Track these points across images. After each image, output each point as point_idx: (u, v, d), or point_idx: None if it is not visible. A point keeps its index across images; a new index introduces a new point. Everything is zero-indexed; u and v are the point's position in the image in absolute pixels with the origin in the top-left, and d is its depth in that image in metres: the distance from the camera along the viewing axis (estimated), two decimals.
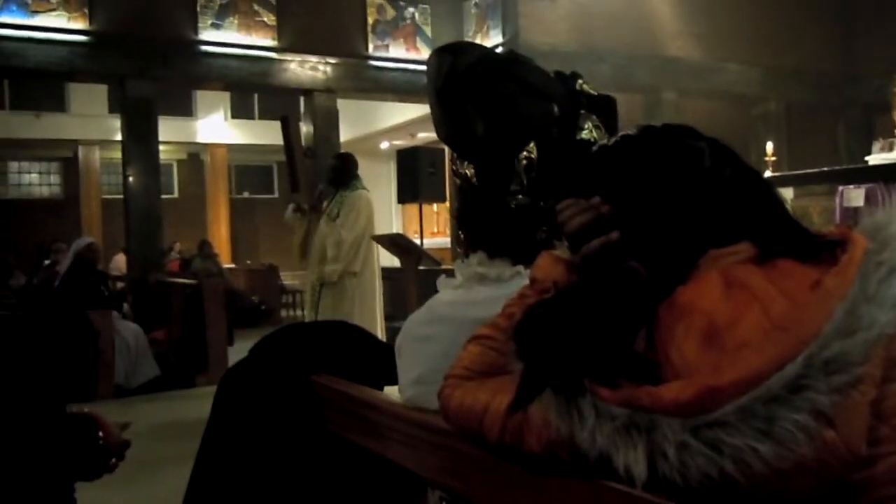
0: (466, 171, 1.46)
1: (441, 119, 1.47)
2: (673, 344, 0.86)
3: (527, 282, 1.13)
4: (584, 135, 1.37)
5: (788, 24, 10.80)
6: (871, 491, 0.77)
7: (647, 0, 10.01)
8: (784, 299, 0.84)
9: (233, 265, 14.58)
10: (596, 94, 1.42)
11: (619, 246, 0.95)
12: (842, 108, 11.55)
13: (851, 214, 6.34)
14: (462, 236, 1.49)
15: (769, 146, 7.56)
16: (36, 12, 7.76)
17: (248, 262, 14.99)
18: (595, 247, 0.96)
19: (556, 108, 1.38)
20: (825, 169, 6.95)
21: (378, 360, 1.81)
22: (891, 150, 7.47)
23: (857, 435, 0.77)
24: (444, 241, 11.51)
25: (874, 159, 7.41)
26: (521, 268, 1.37)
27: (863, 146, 9.48)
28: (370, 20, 9.52)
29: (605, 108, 1.41)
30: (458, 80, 1.41)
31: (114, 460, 1.54)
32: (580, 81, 1.43)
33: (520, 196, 1.38)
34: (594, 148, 1.03)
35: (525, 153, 1.36)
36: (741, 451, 0.77)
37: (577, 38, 9.29)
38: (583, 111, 1.38)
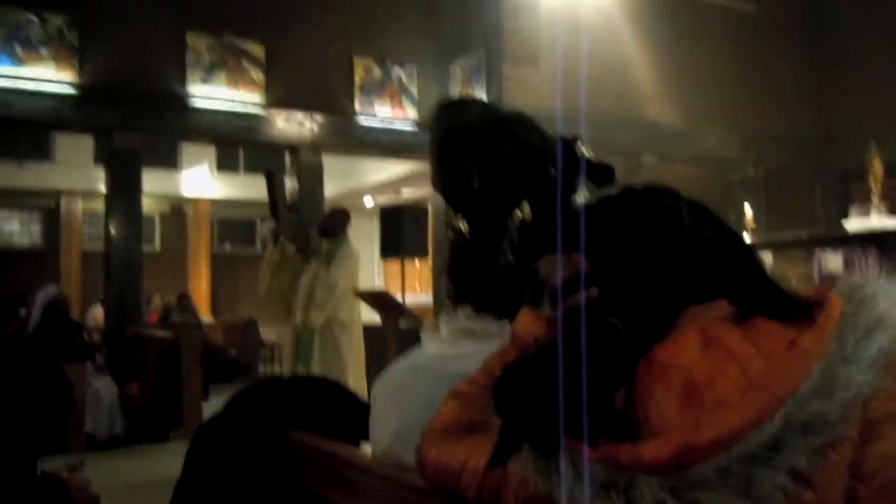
0: (460, 224, 1.48)
1: (438, 170, 1.50)
2: (652, 402, 0.86)
3: None
4: (579, 199, 1.39)
5: (766, 90, 11.09)
6: None
7: (629, 66, 10.26)
8: (761, 358, 0.84)
9: (212, 319, 14.44)
10: (595, 160, 1.44)
11: (598, 303, 0.95)
12: (819, 174, 11.78)
13: (830, 279, 6.41)
14: (450, 289, 1.50)
15: (748, 210, 7.67)
16: (25, 63, 7.83)
17: (228, 315, 14.86)
18: (575, 303, 0.96)
19: (552, 171, 1.40)
20: (803, 233, 7.05)
21: (354, 416, 1.79)
22: (868, 215, 7.60)
23: (835, 496, 0.76)
24: (426, 297, 11.48)
25: (852, 224, 7.52)
26: (507, 324, 1.36)
27: (840, 211, 9.64)
28: (357, 79, 9.67)
29: (602, 175, 1.43)
30: (458, 134, 1.44)
31: None
32: (580, 146, 1.45)
33: (509, 254, 1.38)
34: (576, 206, 1.04)
35: (518, 212, 1.37)
36: None
37: (560, 100, 9.47)
38: (580, 176, 1.40)
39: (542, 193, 1.37)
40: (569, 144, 1.43)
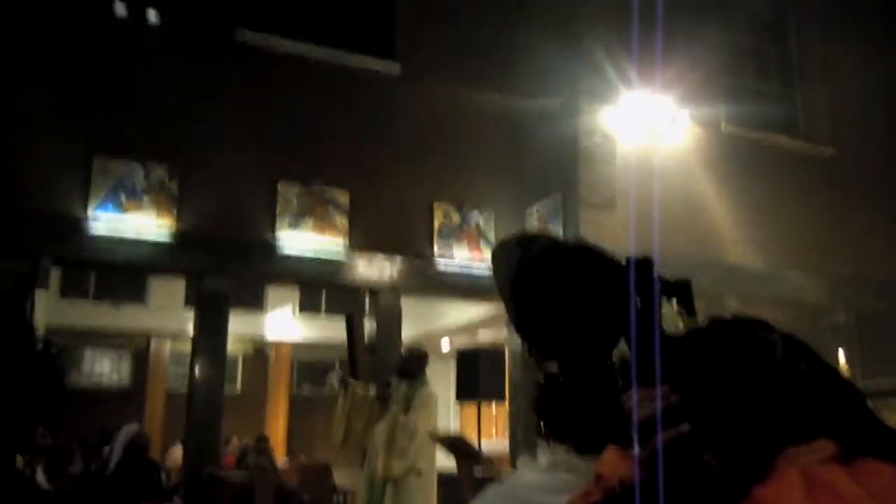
0: (548, 364, 1.39)
1: (518, 314, 1.42)
2: None
3: None
4: (669, 320, 1.28)
5: (850, 232, 10.85)
6: None
7: (707, 209, 10.25)
8: (872, 501, 0.78)
9: (286, 460, 14.34)
10: (672, 278, 1.37)
11: (689, 439, 0.91)
12: None
13: None
14: (542, 427, 1.42)
15: (841, 357, 7.33)
16: (128, 211, 8.38)
17: (303, 457, 14.74)
18: (664, 439, 0.92)
19: (638, 300, 1.28)
20: None
21: None
22: None
23: None
24: (503, 443, 11.17)
25: None
26: None
27: None
28: (436, 224, 9.95)
29: (682, 293, 1.35)
30: (532, 272, 1.38)
31: None
32: (654, 265, 1.37)
33: (614, 397, 1.27)
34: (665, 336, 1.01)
35: (617, 352, 1.29)
36: None
37: (637, 244, 9.44)
38: (659, 296, 1.32)
39: (632, 324, 1.29)
40: (645, 266, 1.36)
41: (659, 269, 1.37)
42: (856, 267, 10.82)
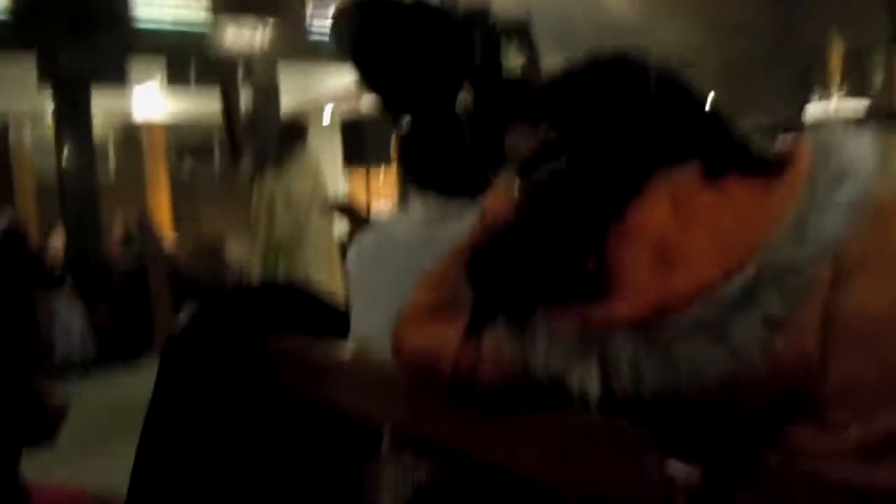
0: (402, 119, 1.45)
1: (364, 74, 1.46)
2: (623, 264, 0.85)
3: None
4: (511, 61, 1.36)
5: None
6: (824, 404, 0.77)
7: None
8: (732, 212, 0.83)
9: (175, 237, 14.25)
10: (510, 20, 1.41)
11: (567, 171, 0.94)
12: (780, 62, 11.73)
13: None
14: (409, 179, 1.48)
15: (709, 97, 7.68)
16: None
17: (193, 239, 14.67)
18: (543, 173, 0.94)
19: (477, 34, 1.36)
20: (764, 119, 7.11)
21: (330, 323, 1.77)
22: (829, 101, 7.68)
23: (809, 343, 0.76)
24: (393, 205, 11.42)
25: (813, 111, 7.60)
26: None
27: (802, 99, 9.68)
28: None
29: (521, 28, 1.40)
30: (371, 30, 1.41)
31: None
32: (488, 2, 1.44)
33: (466, 136, 1.35)
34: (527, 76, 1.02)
35: (462, 93, 1.34)
36: (694, 360, 0.76)
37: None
38: (502, 34, 1.37)
39: (476, 63, 1.35)
40: (477, 12, 1.40)
41: (496, 14, 1.42)
42: (727, 13, 10.99)
